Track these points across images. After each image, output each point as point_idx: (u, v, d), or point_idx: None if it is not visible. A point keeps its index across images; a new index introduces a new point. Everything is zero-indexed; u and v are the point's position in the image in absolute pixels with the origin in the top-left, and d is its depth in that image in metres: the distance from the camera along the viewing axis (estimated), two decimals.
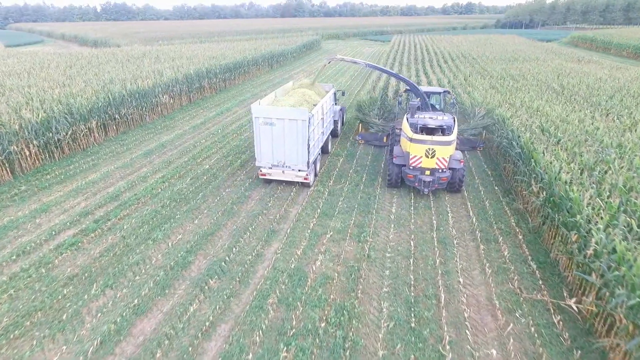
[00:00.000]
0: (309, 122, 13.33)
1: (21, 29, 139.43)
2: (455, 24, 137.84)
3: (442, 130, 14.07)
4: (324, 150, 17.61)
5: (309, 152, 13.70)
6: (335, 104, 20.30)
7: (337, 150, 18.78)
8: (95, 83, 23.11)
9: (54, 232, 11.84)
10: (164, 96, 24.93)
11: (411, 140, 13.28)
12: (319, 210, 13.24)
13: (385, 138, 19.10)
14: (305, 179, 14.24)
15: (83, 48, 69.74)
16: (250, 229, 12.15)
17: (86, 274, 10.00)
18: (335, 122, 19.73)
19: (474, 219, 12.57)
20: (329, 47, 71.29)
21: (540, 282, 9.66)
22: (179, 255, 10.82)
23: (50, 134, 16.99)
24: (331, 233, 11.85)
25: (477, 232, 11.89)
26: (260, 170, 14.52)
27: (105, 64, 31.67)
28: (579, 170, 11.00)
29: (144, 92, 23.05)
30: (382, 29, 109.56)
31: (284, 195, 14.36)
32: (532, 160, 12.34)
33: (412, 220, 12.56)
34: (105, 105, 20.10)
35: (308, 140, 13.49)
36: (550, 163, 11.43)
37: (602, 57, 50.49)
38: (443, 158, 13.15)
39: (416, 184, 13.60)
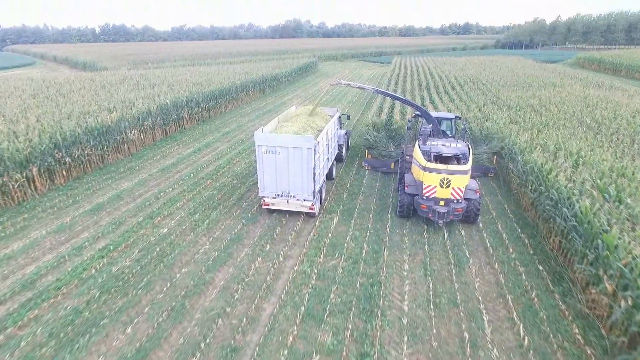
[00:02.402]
0: (315, 150, 12.67)
1: (17, 50, 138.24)
2: (454, 44, 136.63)
3: (457, 158, 13.11)
4: (329, 176, 16.94)
5: (314, 181, 13.04)
6: (340, 128, 19.72)
7: (332, 205, 15.20)
8: (50, 117, 19.77)
9: None
10: (132, 132, 21.53)
11: (424, 169, 12.56)
12: (302, 307, 9.57)
13: (392, 164, 18.35)
14: (310, 208, 13.51)
15: (73, 71, 67.29)
16: (202, 345, 8.46)
17: None
18: (340, 146, 19.19)
19: (521, 327, 8.89)
20: (327, 69, 68.69)
21: None
22: None
23: None
24: (318, 357, 8.15)
25: (530, 352, 8.20)
26: (264, 200, 13.85)
27: (76, 92, 28.44)
28: None
29: (106, 128, 19.65)
30: (381, 50, 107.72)
31: (258, 279, 10.72)
32: (602, 243, 8.76)
33: (434, 329, 8.87)
34: (52, 148, 16.65)
35: (314, 169, 12.82)
36: (636, 257, 7.84)
37: (613, 79, 47.51)
38: (459, 188, 12.44)
39: (430, 215, 12.81)
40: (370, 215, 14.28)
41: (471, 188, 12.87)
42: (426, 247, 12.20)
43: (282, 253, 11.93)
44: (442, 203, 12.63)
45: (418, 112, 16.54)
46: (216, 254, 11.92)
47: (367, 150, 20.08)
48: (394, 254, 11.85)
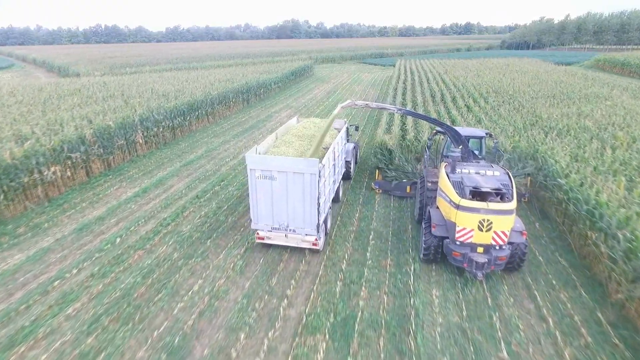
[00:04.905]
0: (319, 175, 10.48)
1: (2, 52, 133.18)
2: (458, 45, 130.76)
3: (500, 194, 10.04)
4: (335, 199, 14.64)
5: (318, 212, 10.88)
6: (348, 141, 17.51)
7: (318, 311, 9.47)
8: None
9: None
10: (52, 169, 15.81)
11: (458, 207, 9.85)
12: None
13: (408, 188, 15.86)
14: (313, 244, 11.48)
15: (48, 75, 61.74)
16: None
17: None
18: (347, 163, 16.91)
19: None
20: (323, 73, 62.82)
21: None
22: None
23: None
24: None
25: None
26: (258, 234, 11.78)
27: (6, 108, 22.75)
28: None
29: (2, 168, 13.96)
30: (381, 51, 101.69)
31: None
32: None
33: None
34: None
35: (318, 198, 10.66)
36: None
37: None
38: (502, 232, 9.73)
39: (465, 265, 10.02)
40: (381, 342, 8.53)
41: (517, 230, 10.24)
42: None
43: None
44: (480, 250, 10.09)
45: (440, 129, 13.92)
46: None
47: (377, 170, 17.21)
48: None
